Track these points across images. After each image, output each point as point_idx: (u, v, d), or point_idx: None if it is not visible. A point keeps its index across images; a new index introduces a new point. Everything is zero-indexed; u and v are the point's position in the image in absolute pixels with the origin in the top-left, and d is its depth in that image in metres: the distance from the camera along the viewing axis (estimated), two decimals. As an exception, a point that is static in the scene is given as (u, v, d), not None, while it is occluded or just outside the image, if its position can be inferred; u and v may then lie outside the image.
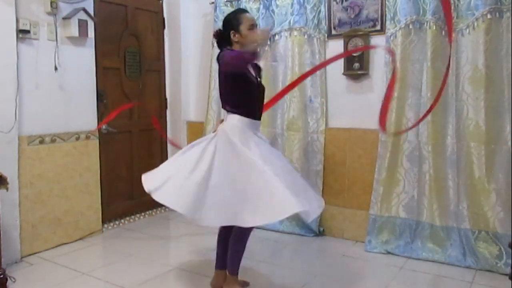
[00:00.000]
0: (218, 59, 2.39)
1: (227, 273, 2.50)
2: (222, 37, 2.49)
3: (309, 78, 3.50)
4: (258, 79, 2.50)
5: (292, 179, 2.33)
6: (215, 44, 3.84)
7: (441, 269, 2.89)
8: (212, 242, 3.44)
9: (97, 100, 3.58)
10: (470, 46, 2.89)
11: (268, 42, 2.46)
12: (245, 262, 2.99)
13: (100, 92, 3.61)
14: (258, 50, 2.20)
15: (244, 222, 2.15)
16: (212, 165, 2.25)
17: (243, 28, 2.41)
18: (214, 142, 2.33)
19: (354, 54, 3.33)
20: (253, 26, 2.44)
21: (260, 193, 2.14)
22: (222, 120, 2.52)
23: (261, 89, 2.52)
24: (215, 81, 3.99)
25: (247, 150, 2.26)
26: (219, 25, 3.88)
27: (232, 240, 2.44)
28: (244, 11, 2.59)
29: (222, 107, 2.55)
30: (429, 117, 3.01)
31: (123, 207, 3.95)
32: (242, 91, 2.40)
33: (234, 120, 2.38)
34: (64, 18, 3.25)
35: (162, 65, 4.28)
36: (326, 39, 3.51)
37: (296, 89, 3.41)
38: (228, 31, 2.44)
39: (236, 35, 2.42)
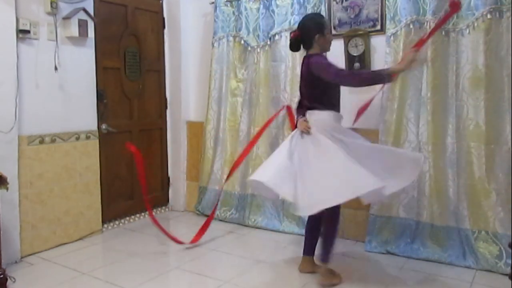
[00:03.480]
0: (309, 62, 2.59)
1: (320, 261, 2.69)
2: (303, 40, 2.67)
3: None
4: None
5: (371, 161, 2.50)
6: (215, 44, 3.95)
7: (441, 269, 2.89)
8: (212, 242, 3.46)
9: (97, 100, 3.58)
10: (470, 46, 2.89)
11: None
12: (245, 262, 3.00)
13: (100, 92, 3.61)
14: (394, 77, 2.48)
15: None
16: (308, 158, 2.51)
17: (327, 32, 2.67)
18: (308, 138, 2.57)
19: (354, 54, 3.33)
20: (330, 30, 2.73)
21: (338, 174, 2.41)
22: (305, 119, 2.66)
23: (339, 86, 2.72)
24: (215, 81, 4.00)
25: (335, 143, 2.51)
26: (219, 25, 3.93)
27: (324, 229, 2.68)
28: (323, 16, 2.86)
29: (307, 105, 2.69)
30: (429, 117, 3.02)
31: (123, 207, 3.95)
32: (332, 91, 2.65)
33: (325, 115, 2.61)
34: (64, 18, 3.25)
35: (162, 65, 4.28)
36: (326, 39, 3.51)
37: (296, 89, 3.41)
38: (314, 34, 2.61)
39: (321, 39, 2.61)
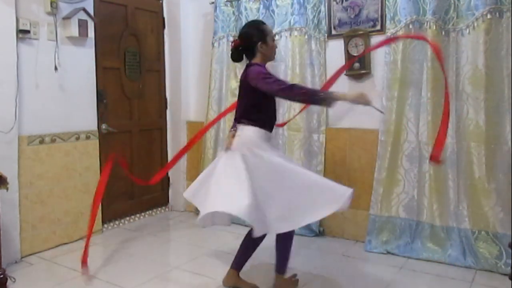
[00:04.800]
0: (248, 72, 2.40)
1: (276, 273, 2.59)
2: (245, 49, 2.49)
3: (308, 79, 3.51)
4: None
5: (282, 192, 2.33)
6: (215, 44, 3.95)
7: (441, 269, 2.89)
8: (212, 242, 3.46)
9: (97, 100, 3.58)
10: (470, 46, 2.89)
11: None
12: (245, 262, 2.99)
13: (100, 92, 3.61)
14: (334, 100, 2.30)
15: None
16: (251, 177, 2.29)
17: (269, 39, 2.47)
18: (237, 157, 2.34)
19: (354, 54, 3.32)
20: (274, 36, 2.57)
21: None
22: (234, 135, 2.48)
23: (275, 103, 2.54)
24: (215, 81, 3.99)
25: (248, 162, 2.32)
26: (219, 25, 3.93)
27: (280, 243, 2.55)
28: (264, 22, 2.61)
29: (237, 119, 2.51)
30: (429, 117, 3.01)
31: (123, 207, 3.95)
32: (265, 105, 2.45)
33: (250, 132, 2.41)
34: (64, 18, 3.25)
35: (162, 65, 4.28)
36: (326, 39, 3.51)
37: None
38: (255, 42, 2.43)
39: (263, 46, 2.44)
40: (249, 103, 2.43)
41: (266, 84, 2.31)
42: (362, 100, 2.26)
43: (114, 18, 3.80)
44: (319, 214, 2.30)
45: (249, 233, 2.42)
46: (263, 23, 2.57)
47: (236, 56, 2.52)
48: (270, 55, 2.51)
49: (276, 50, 2.61)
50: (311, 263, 3.07)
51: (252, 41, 2.44)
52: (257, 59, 2.46)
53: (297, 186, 2.29)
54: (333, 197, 2.25)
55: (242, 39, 2.49)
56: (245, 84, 2.43)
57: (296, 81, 3.44)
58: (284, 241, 2.52)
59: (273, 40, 2.52)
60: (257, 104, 2.41)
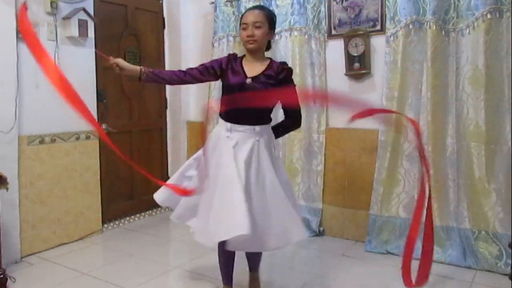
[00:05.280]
0: None
1: (250, 270, 2.55)
2: None
3: (308, 79, 3.51)
4: (247, 81, 2.25)
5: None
6: (215, 44, 3.95)
7: (441, 269, 2.88)
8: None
9: (97, 100, 3.58)
10: (470, 46, 2.89)
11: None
12: (245, 262, 2.99)
13: (100, 92, 3.61)
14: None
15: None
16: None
17: (240, 27, 2.31)
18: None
19: (354, 54, 3.33)
20: (245, 24, 2.25)
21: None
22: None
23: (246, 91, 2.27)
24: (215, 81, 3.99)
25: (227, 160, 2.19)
26: (219, 25, 3.93)
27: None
28: (247, 10, 2.44)
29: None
30: (429, 117, 3.02)
31: (123, 207, 3.95)
32: (224, 96, 2.34)
33: (219, 127, 2.32)
34: (64, 18, 3.25)
35: (162, 65, 4.28)
36: (326, 39, 3.51)
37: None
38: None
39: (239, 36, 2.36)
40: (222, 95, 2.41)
41: None
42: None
43: (114, 18, 3.80)
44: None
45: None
46: (246, 11, 2.40)
47: None
48: (244, 45, 2.30)
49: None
50: (311, 263, 3.07)
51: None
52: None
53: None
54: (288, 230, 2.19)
55: None
56: None
57: (296, 80, 3.41)
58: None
59: (242, 28, 2.27)
60: (225, 96, 2.34)
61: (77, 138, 3.41)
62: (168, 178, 4.36)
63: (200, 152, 2.38)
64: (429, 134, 3.02)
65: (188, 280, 2.83)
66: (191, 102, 4.36)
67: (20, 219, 3.03)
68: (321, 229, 3.54)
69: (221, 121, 2.32)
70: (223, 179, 2.13)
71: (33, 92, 3.11)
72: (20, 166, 3.02)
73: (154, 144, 4.25)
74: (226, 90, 2.33)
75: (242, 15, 2.35)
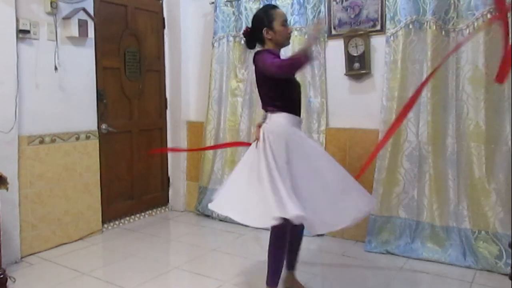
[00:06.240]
0: (254, 61, 2.34)
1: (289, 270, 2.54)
2: (253, 35, 2.42)
3: (309, 78, 3.51)
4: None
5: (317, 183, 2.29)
6: (215, 44, 3.95)
7: (441, 269, 2.89)
8: (212, 242, 3.46)
9: (97, 100, 3.58)
10: (470, 46, 2.89)
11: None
12: (245, 262, 2.99)
13: (100, 92, 3.61)
14: (310, 51, 2.14)
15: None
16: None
17: (276, 24, 2.34)
18: (259, 149, 2.28)
19: (354, 54, 3.33)
20: (285, 21, 2.38)
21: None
22: (260, 125, 2.39)
23: (298, 85, 2.47)
24: (215, 81, 4.00)
25: (283, 156, 2.24)
26: (219, 25, 3.94)
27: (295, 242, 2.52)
28: (275, 6, 2.50)
29: (263, 108, 2.44)
30: (429, 117, 3.02)
31: (123, 207, 3.95)
32: (287, 89, 2.36)
33: (281, 118, 2.33)
34: (64, 18, 3.25)
35: (162, 65, 4.28)
36: (326, 39, 3.51)
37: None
38: (260, 28, 2.35)
39: (270, 32, 2.34)
40: (269, 90, 2.36)
41: (268, 70, 2.24)
42: (314, 33, 2.32)
43: (114, 18, 3.80)
44: (349, 220, 2.38)
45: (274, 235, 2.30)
46: (273, 6, 2.48)
47: (248, 43, 2.48)
48: (280, 41, 2.37)
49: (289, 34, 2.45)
50: (311, 263, 3.06)
51: (258, 28, 2.37)
52: (267, 46, 2.38)
53: (333, 187, 2.32)
54: (361, 203, 2.37)
55: (251, 25, 2.43)
56: (257, 73, 2.37)
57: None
58: (270, 246, 2.36)
59: (282, 24, 2.35)
60: (278, 89, 2.33)
61: (77, 138, 3.41)
62: (168, 178, 4.39)
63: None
64: (429, 134, 3.02)
65: (188, 280, 2.83)
66: (191, 102, 4.36)
67: (20, 219, 3.03)
68: (321, 229, 3.54)
69: (281, 114, 2.33)
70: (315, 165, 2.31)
71: (33, 92, 3.11)
72: (20, 166, 3.02)
73: (154, 144, 4.24)
74: (286, 83, 2.35)
75: (272, 10, 2.39)
